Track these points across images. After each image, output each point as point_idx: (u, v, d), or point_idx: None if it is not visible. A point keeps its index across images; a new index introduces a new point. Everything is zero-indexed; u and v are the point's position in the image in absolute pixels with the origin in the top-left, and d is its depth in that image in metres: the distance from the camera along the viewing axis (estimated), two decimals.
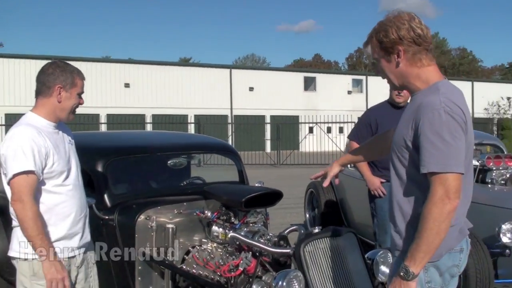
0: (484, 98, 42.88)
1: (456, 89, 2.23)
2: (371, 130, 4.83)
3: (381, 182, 4.74)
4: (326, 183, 2.90)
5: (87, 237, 3.02)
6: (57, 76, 2.81)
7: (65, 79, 2.81)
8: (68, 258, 2.87)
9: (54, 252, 2.69)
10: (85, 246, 3.00)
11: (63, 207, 2.83)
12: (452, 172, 2.03)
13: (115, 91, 34.52)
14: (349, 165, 6.06)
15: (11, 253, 2.80)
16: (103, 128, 26.94)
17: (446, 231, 2.06)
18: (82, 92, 2.92)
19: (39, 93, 2.85)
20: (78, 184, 2.96)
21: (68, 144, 2.95)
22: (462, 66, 67.94)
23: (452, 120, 2.05)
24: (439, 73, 2.26)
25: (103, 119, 30.90)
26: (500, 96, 40.86)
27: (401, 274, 2.10)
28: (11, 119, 25.06)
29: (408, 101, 2.92)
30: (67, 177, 2.85)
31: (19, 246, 2.73)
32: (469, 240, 2.33)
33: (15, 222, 2.75)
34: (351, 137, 5.09)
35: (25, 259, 2.73)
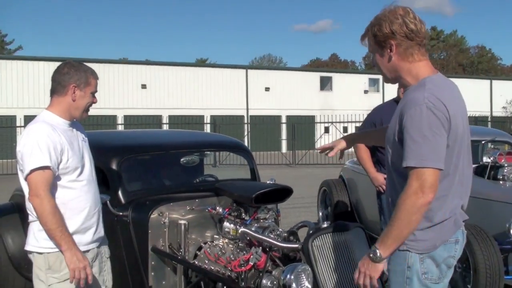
0: (502, 96, 42.41)
1: (446, 84, 2.25)
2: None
3: (385, 178, 4.79)
4: (331, 154, 2.94)
5: (101, 231, 3.09)
6: (72, 76, 2.89)
7: (79, 78, 2.90)
8: (83, 252, 2.92)
9: (73, 242, 2.76)
10: (98, 241, 3.07)
11: (77, 202, 2.91)
12: (429, 167, 2.07)
13: (132, 92, 34.79)
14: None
15: (27, 247, 2.89)
16: (121, 129, 27.21)
17: (417, 223, 2.11)
18: (96, 91, 3.00)
19: (54, 92, 2.94)
20: (92, 179, 3.04)
21: (81, 142, 3.04)
22: (481, 64, 67.18)
23: (433, 116, 2.08)
24: (431, 68, 2.29)
25: (120, 120, 31.21)
26: None
27: (371, 255, 2.18)
28: (30, 121, 25.41)
29: None
30: (81, 172, 2.93)
31: (35, 240, 2.82)
32: (465, 232, 2.36)
33: (31, 217, 2.84)
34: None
35: (41, 253, 2.81)
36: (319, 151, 3.08)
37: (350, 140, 3.02)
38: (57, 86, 2.92)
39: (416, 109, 2.10)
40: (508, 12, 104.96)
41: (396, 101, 4.95)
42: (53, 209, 2.70)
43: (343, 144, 2.95)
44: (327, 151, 2.97)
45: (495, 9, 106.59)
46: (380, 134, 2.97)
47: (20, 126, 26.79)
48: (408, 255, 2.24)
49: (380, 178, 4.80)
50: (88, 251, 2.98)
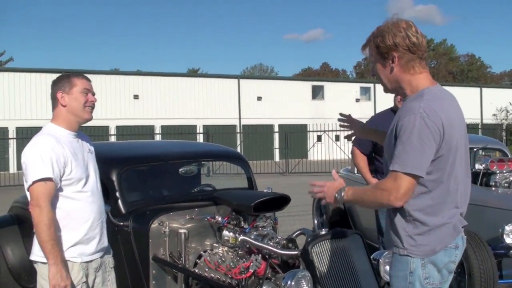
0: (492, 104, 42.74)
1: (444, 95, 2.32)
2: None
3: None
4: (349, 133, 3.15)
5: (105, 242, 3.14)
6: (56, 85, 3.00)
7: (63, 84, 2.99)
8: (86, 262, 2.99)
9: (62, 259, 2.80)
10: (102, 251, 3.12)
11: (82, 213, 2.96)
12: (408, 174, 2.16)
13: (124, 103, 34.77)
14: (355, 171, 6.19)
15: (32, 257, 2.94)
16: (113, 140, 27.17)
17: (374, 207, 2.40)
18: (88, 90, 3.02)
19: (52, 106, 3.04)
20: (97, 190, 3.10)
21: (87, 153, 3.10)
22: (471, 73, 67.70)
23: (425, 126, 2.15)
24: (430, 80, 2.36)
25: (112, 130, 31.20)
26: (509, 101, 40.76)
27: (336, 192, 2.43)
28: (22, 133, 25.38)
29: None
30: (85, 183, 2.99)
31: (39, 250, 2.85)
32: (465, 237, 2.42)
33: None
34: (354, 143, 5.25)
35: (45, 263, 2.85)
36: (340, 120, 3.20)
37: (366, 131, 3.13)
38: (52, 100, 3.03)
39: (410, 117, 2.18)
40: (497, 21, 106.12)
41: (392, 110, 5.03)
42: (49, 221, 2.75)
43: (360, 125, 3.08)
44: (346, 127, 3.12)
45: (484, 18, 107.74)
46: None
47: (12, 138, 26.75)
48: (410, 261, 2.29)
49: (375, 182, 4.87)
50: (91, 261, 3.03)
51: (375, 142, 4.84)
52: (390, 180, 2.21)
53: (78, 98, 2.97)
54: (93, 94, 3.07)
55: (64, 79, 3.01)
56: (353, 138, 3.10)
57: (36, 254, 2.91)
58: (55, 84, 3.01)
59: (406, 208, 2.28)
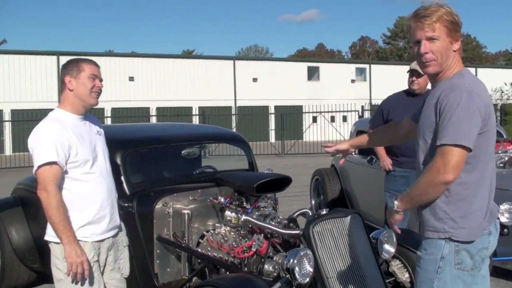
0: (487, 84, 42.82)
1: (478, 79, 2.37)
2: (382, 118, 5.04)
3: (392, 164, 4.97)
4: (329, 150, 3.15)
5: (116, 220, 3.23)
6: (65, 69, 3.06)
7: (71, 69, 3.04)
8: (98, 241, 3.07)
9: (74, 237, 2.89)
10: (114, 230, 3.20)
11: (91, 193, 3.04)
12: (458, 146, 2.16)
13: (120, 85, 34.64)
14: (353, 153, 6.29)
15: (46, 237, 3.02)
16: (108, 121, 27.15)
17: (432, 196, 2.27)
18: (96, 75, 3.08)
19: (61, 90, 3.10)
20: (106, 171, 3.17)
21: (95, 135, 3.17)
22: (466, 53, 67.52)
23: (471, 100, 2.19)
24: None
25: (108, 113, 31.13)
26: (504, 82, 40.82)
27: (390, 204, 2.46)
28: (18, 115, 25.34)
29: (428, 87, 3.01)
30: (92, 164, 3.05)
31: (52, 231, 2.93)
32: (498, 224, 2.42)
33: None
34: (369, 123, 5.37)
35: (58, 243, 2.94)
36: (323, 145, 3.26)
37: (355, 144, 3.17)
38: (60, 84, 3.09)
39: (457, 93, 2.21)
40: (492, 1, 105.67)
41: (406, 92, 5.04)
42: (58, 203, 2.84)
43: (343, 145, 3.10)
44: (329, 147, 3.15)
45: None
46: (384, 135, 3.12)
47: (8, 121, 26.67)
48: (444, 246, 2.30)
49: (388, 160, 4.96)
50: (103, 240, 3.11)
51: (385, 121, 4.91)
52: (437, 156, 2.20)
53: (85, 83, 3.03)
54: (101, 80, 3.12)
55: (73, 63, 3.06)
56: (330, 148, 3.14)
57: (50, 234, 2.99)
58: (64, 68, 3.07)
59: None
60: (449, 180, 2.20)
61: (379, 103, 5.47)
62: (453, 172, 2.18)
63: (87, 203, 3.03)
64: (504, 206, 4.84)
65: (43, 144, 2.87)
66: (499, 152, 5.87)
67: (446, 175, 2.18)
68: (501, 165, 5.76)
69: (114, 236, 3.23)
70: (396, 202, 2.42)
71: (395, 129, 3.02)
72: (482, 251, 2.33)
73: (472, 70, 45.49)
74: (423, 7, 2.35)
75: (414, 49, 2.42)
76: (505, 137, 6.75)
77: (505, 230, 4.79)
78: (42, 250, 4.42)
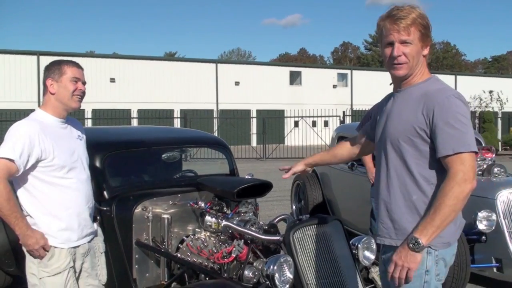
0: (466, 91, 43.39)
1: None
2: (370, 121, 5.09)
3: None
4: (285, 176, 3.04)
5: (92, 227, 3.17)
6: (47, 71, 3.00)
7: (53, 71, 2.99)
8: (73, 248, 3.01)
9: (28, 226, 2.82)
10: (90, 236, 3.15)
11: (66, 199, 2.97)
12: (470, 152, 2.14)
13: (101, 86, 34.36)
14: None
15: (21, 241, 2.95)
16: (89, 123, 26.86)
17: (459, 211, 2.17)
18: (78, 78, 3.02)
19: (43, 92, 3.04)
20: (84, 177, 3.11)
21: (75, 139, 3.11)
22: (446, 60, 68.54)
23: (463, 105, 2.19)
24: None
25: (89, 114, 30.84)
26: (482, 89, 41.36)
27: (410, 245, 2.14)
28: (1, 115, 24.96)
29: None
30: (69, 170, 2.99)
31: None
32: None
33: (24, 212, 2.90)
34: (357, 128, 5.39)
35: None
36: (280, 169, 3.16)
37: (310, 163, 3.08)
38: (43, 87, 3.02)
39: (449, 99, 2.19)
40: (472, 9, 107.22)
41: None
42: (8, 195, 2.73)
43: (299, 168, 3.03)
44: (285, 171, 3.06)
45: (460, 6, 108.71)
46: (340, 152, 2.99)
47: None
48: (427, 258, 2.23)
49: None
50: (78, 246, 3.05)
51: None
52: (458, 166, 2.11)
53: (67, 87, 2.98)
54: (84, 83, 3.06)
55: (55, 66, 3.00)
56: (287, 174, 3.09)
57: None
58: (46, 70, 3.01)
59: (423, 199, 2.24)
60: (474, 187, 2.15)
61: (360, 109, 5.51)
62: (474, 177, 2.15)
63: (63, 208, 2.97)
64: (482, 214, 4.89)
65: (12, 140, 2.80)
66: (478, 160, 5.91)
67: (474, 182, 2.13)
68: (479, 172, 5.82)
69: (90, 241, 3.18)
70: (420, 240, 2.13)
71: (354, 146, 2.94)
72: (452, 258, 2.35)
73: (452, 77, 46.19)
74: (397, 8, 2.31)
75: (385, 50, 2.37)
76: (483, 144, 6.82)
77: (483, 237, 4.84)
78: (18, 254, 4.34)
